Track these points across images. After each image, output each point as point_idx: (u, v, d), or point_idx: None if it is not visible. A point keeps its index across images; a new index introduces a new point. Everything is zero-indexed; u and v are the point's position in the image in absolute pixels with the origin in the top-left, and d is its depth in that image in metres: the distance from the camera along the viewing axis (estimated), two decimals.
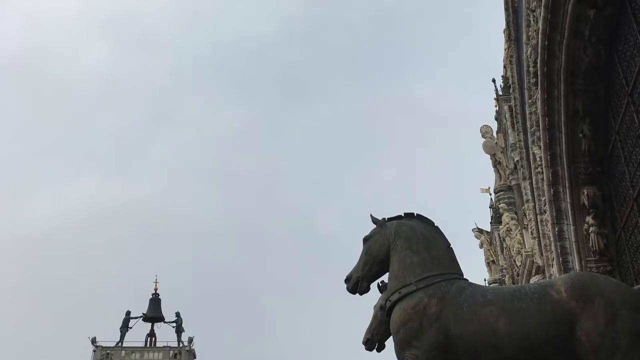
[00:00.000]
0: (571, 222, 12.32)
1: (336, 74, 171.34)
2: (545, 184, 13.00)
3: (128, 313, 56.35)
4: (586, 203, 11.81)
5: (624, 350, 5.95)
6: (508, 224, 23.04)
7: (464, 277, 6.95)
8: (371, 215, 7.37)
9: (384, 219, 7.34)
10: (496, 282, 25.95)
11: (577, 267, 12.00)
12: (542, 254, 14.70)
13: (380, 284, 7.48)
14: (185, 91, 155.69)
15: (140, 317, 56.67)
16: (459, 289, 6.60)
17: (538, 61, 11.97)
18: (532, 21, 12.25)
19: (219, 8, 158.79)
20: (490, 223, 28.66)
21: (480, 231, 30.65)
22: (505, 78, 20.88)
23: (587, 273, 9.40)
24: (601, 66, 10.98)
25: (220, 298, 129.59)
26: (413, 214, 7.34)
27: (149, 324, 56.66)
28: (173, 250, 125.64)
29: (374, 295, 7.41)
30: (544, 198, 13.35)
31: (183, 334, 55.61)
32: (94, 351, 53.04)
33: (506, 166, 23.42)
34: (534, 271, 16.73)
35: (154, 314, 56.76)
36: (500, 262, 26.31)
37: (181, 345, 54.60)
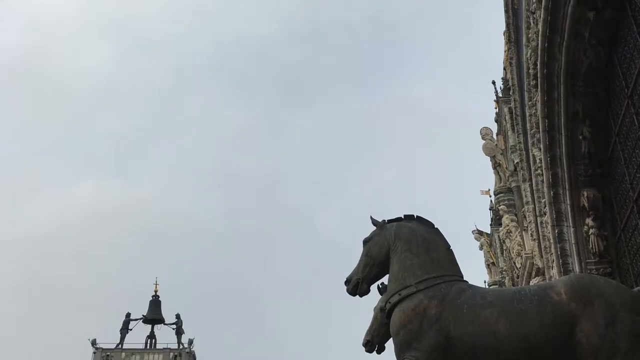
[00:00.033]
0: (571, 224, 12.32)
1: (336, 74, 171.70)
2: (545, 185, 13.00)
3: (128, 315, 56.46)
4: (586, 205, 11.81)
5: (624, 352, 5.96)
6: (508, 225, 23.05)
7: (464, 279, 6.95)
8: (371, 217, 7.37)
9: (384, 220, 7.34)
10: (496, 284, 25.94)
11: (577, 269, 12.00)
12: (542, 256, 14.70)
13: (380, 286, 7.48)
14: (185, 91, 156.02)
15: (140, 318, 56.76)
16: (458, 290, 6.60)
17: (538, 63, 11.97)
18: (532, 23, 12.25)
19: (219, 8, 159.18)
20: (490, 225, 28.67)
21: (480, 233, 30.69)
22: (505, 80, 20.88)
23: (587, 275, 9.41)
24: (601, 68, 10.98)
25: (220, 299, 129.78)
26: (413, 215, 7.35)
27: (149, 326, 56.80)
28: (173, 251, 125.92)
29: (374, 296, 7.43)
30: (544, 200, 13.34)
31: (183, 335, 55.70)
32: (94, 353, 53.13)
33: (506, 168, 23.44)
34: (533, 273, 16.72)
35: (154, 316, 56.84)
36: (500, 264, 26.32)
37: (181, 347, 54.65)
